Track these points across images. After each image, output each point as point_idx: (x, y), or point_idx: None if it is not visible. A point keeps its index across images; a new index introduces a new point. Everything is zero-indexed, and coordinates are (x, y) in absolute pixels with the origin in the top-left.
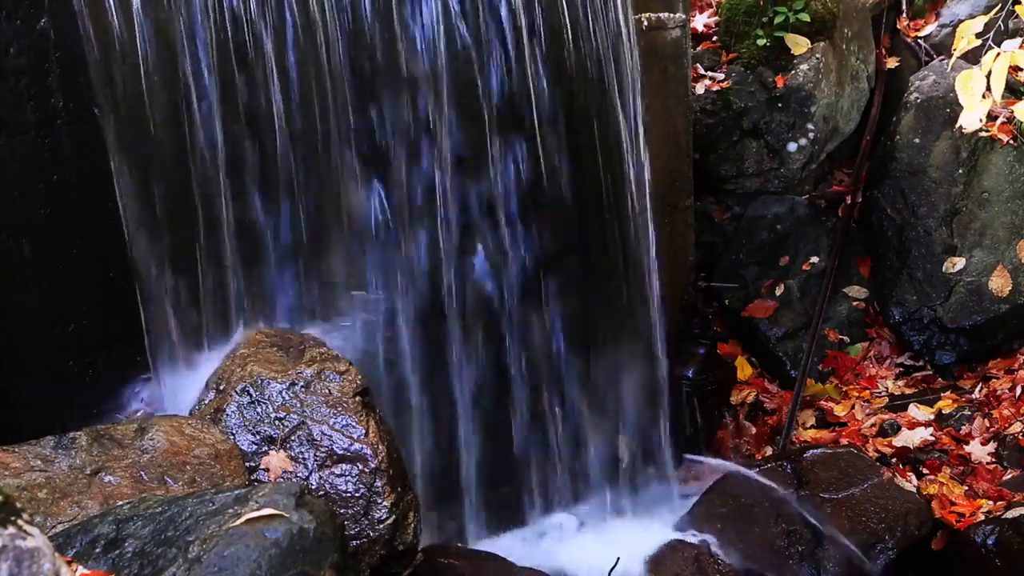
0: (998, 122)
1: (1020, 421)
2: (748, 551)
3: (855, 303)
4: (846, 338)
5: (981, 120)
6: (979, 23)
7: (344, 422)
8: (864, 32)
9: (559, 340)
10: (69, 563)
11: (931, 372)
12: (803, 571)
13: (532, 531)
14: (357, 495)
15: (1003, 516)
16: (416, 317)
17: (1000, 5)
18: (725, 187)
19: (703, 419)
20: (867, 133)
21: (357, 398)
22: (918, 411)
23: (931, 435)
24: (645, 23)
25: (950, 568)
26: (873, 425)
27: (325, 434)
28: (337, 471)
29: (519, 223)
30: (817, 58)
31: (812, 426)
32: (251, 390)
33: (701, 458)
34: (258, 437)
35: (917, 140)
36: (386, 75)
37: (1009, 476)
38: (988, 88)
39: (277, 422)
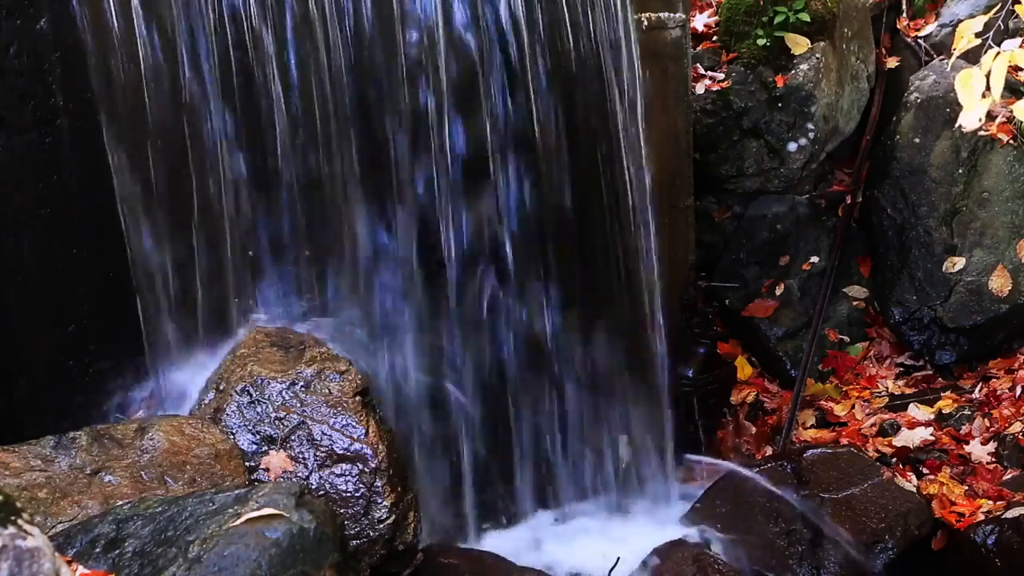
0: (997, 121)
1: (1020, 421)
2: (748, 551)
3: (855, 303)
4: (846, 338)
5: (980, 119)
6: (979, 23)
7: (344, 422)
8: (864, 32)
9: (559, 339)
10: (69, 563)
11: (931, 372)
12: (803, 571)
13: (532, 530)
14: (357, 495)
15: (1003, 516)
16: (415, 311)
17: (1000, 5)
18: (725, 187)
19: (703, 419)
20: (867, 133)
21: (357, 398)
22: (918, 411)
23: (931, 435)
24: (645, 23)
25: (950, 568)
26: (873, 425)
27: (325, 434)
28: (337, 471)
29: (519, 223)
30: (817, 58)
31: (812, 426)
32: (251, 390)
33: (701, 458)
34: (258, 437)
35: (917, 140)
36: (385, 74)
37: (1009, 476)
38: (988, 87)
39: (277, 422)
